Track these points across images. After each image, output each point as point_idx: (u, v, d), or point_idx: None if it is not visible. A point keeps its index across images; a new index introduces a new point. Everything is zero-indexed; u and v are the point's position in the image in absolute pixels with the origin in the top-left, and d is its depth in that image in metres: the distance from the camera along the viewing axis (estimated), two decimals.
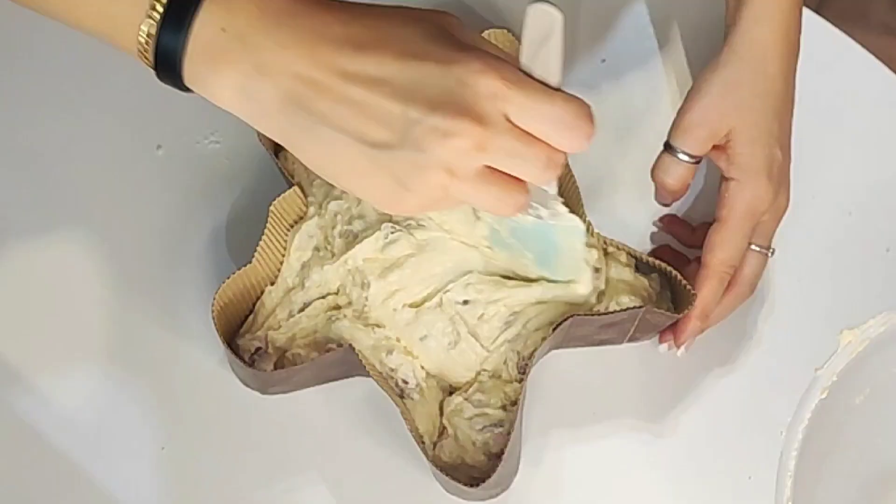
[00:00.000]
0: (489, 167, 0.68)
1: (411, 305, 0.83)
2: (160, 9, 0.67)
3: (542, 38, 0.68)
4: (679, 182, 0.85)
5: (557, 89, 0.68)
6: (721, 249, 0.83)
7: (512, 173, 0.68)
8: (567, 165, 0.85)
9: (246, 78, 0.68)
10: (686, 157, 0.84)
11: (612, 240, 0.84)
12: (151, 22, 0.67)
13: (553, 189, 0.74)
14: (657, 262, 0.84)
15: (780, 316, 0.88)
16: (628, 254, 0.85)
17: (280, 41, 0.67)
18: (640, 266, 0.85)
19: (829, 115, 0.90)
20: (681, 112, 0.84)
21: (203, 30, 0.67)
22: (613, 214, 0.89)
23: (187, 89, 0.70)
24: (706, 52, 0.92)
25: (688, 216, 0.90)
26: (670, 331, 0.85)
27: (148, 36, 0.68)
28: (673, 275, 0.83)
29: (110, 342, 0.86)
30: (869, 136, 0.93)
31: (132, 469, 0.83)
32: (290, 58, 0.67)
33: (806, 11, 0.87)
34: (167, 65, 0.68)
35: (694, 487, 0.84)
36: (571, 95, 0.68)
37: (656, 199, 0.87)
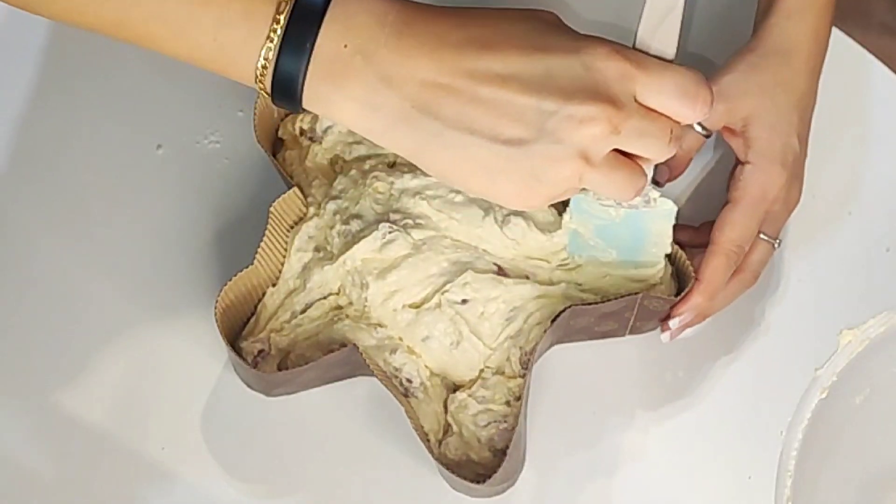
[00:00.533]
0: (616, 151, 0.69)
1: (411, 306, 0.83)
2: (279, 32, 0.66)
3: (663, 14, 0.70)
4: (685, 152, 0.86)
5: (671, 62, 0.70)
6: (731, 228, 0.82)
7: (640, 153, 0.70)
8: None
9: (371, 91, 0.67)
10: (699, 128, 0.85)
11: None
12: (270, 46, 0.67)
13: (650, 173, 0.75)
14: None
15: (780, 316, 0.88)
16: None
17: (403, 51, 0.67)
18: None
19: (829, 114, 0.90)
20: None
21: (324, 49, 0.67)
22: None
23: (303, 110, 0.70)
24: (708, 51, 0.92)
25: (690, 220, 0.89)
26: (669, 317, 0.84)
27: (266, 60, 0.67)
28: (678, 255, 0.84)
29: (110, 342, 0.86)
30: (869, 136, 0.93)
31: (132, 469, 0.83)
32: (414, 66, 0.67)
33: None
34: (286, 88, 0.68)
35: (694, 487, 0.84)
36: (686, 67, 0.70)
37: (654, 175, 0.86)
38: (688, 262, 0.83)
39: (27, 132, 0.92)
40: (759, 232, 0.84)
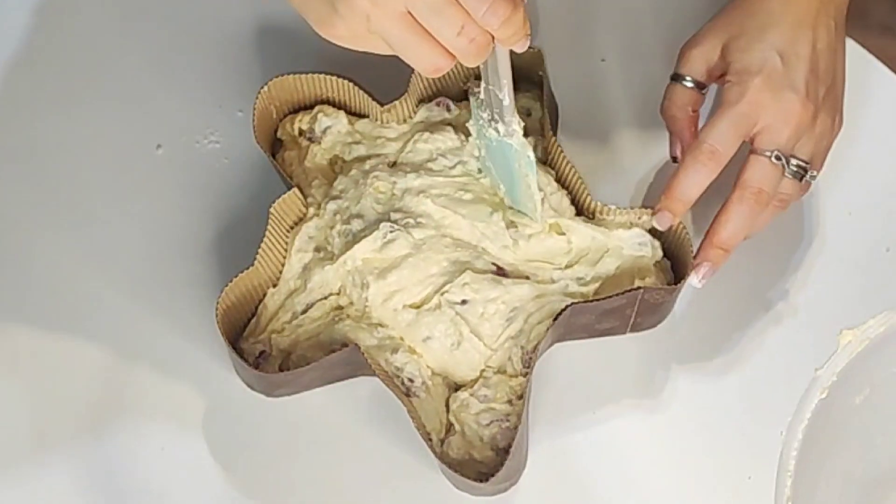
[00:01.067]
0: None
1: (411, 306, 0.83)
2: None
3: None
4: (682, 109, 0.86)
5: None
6: (704, 130, 0.83)
7: (431, 31, 0.71)
8: (558, 148, 0.86)
9: None
10: (689, 83, 0.86)
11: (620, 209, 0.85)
12: None
13: (507, 100, 0.77)
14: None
15: (780, 316, 0.88)
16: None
17: None
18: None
19: None
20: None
21: None
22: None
23: None
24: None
25: (702, 215, 0.89)
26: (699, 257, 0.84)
27: None
28: (678, 233, 0.84)
29: (110, 342, 0.86)
30: (869, 136, 0.93)
31: (132, 469, 0.83)
32: None
33: None
34: None
35: (694, 487, 0.84)
36: None
37: (671, 151, 0.87)
38: (688, 239, 0.83)
39: (27, 132, 0.92)
40: (755, 147, 0.83)
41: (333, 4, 0.71)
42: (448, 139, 0.87)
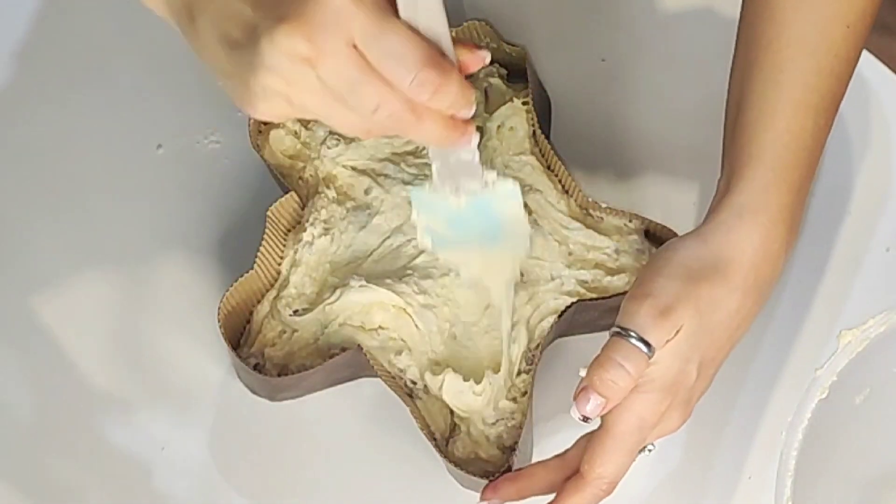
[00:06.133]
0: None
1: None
2: None
3: None
4: (632, 376, 0.71)
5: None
6: (602, 462, 0.73)
7: (344, 105, 0.65)
8: (547, 144, 0.85)
9: None
10: (639, 342, 0.71)
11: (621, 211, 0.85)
12: None
13: (475, 158, 0.71)
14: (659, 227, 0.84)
15: (780, 316, 0.88)
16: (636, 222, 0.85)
17: None
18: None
19: None
20: (631, 289, 0.74)
21: None
22: None
23: None
24: (707, 50, 0.92)
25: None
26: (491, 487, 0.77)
27: None
28: (652, 224, 0.84)
29: (110, 342, 0.86)
30: (869, 136, 0.93)
31: (132, 469, 0.83)
32: None
33: None
34: None
35: (694, 487, 0.84)
36: (441, 56, 0.64)
37: (574, 414, 0.73)
38: (664, 227, 0.82)
39: (27, 132, 0.92)
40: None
41: (250, 85, 0.66)
42: None
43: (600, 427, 0.73)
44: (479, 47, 0.67)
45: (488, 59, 0.67)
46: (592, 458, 0.73)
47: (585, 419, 0.72)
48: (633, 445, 0.73)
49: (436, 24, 0.65)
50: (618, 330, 0.72)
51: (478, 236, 0.77)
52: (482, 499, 0.78)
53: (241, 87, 0.67)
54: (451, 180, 0.73)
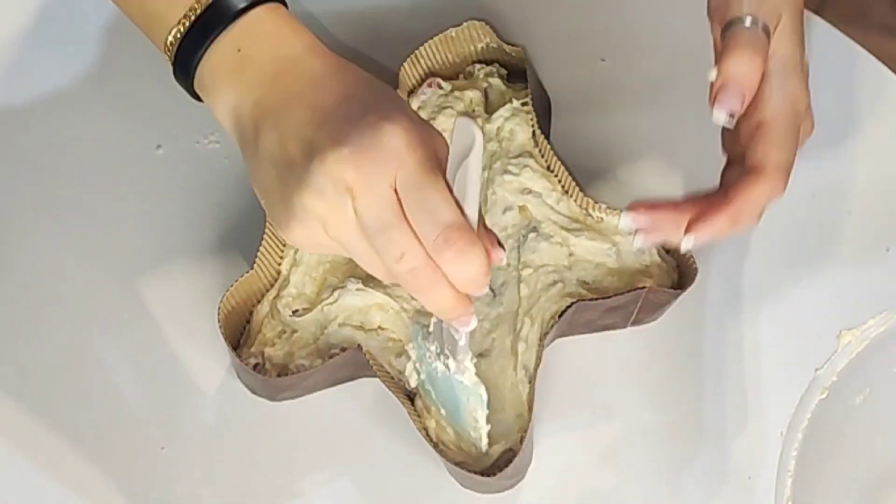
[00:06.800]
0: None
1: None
2: (193, 18, 0.72)
3: (462, 155, 0.66)
4: (757, 60, 0.72)
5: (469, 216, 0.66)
6: (779, 150, 0.72)
7: (372, 245, 0.66)
8: (546, 143, 0.86)
9: (238, 98, 0.71)
10: (751, 23, 0.73)
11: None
12: (180, 28, 0.72)
13: (463, 340, 0.73)
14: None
15: (780, 316, 0.88)
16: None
17: (277, 89, 0.70)
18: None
19: (829, 114, 0.90)
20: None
21: (222, 46, 0.72)
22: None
23: (197, 95, 0.74)
24: (706, 50, 0.92)
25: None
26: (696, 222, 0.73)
27: (174, 38, 0.73)
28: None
29: (110, 341, 0.86)
30: (869, 136, 0.93)
31: (132, 469, 0.83)
32: (271, 101, 0.70)
33: (806, 13, 0.87)
34: (184, 67, 0.73)
35: (694, 487, 0.84)
36: (470, 230, 0.65)
37: (718, 117, 0.73)
38: (690, 255, 0.82)
39: (27, 132, 0.92)
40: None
41: (292, 209, 0.68)
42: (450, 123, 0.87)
43: (759, 126, 0.72)
44: (500, 244, 0.68)
45: (504, 262, 0.69)
46: (767, 149, 0.72)
47: (731, 116, 0.72)
48: (796, 129, 0.73)
49: (472, 200, 0.66)
50: (729, 23, 0.73)
51: (444, 404, 0.79)
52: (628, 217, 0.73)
53: (283, 206, 0.69)
54: (440, 344, 0.74)
